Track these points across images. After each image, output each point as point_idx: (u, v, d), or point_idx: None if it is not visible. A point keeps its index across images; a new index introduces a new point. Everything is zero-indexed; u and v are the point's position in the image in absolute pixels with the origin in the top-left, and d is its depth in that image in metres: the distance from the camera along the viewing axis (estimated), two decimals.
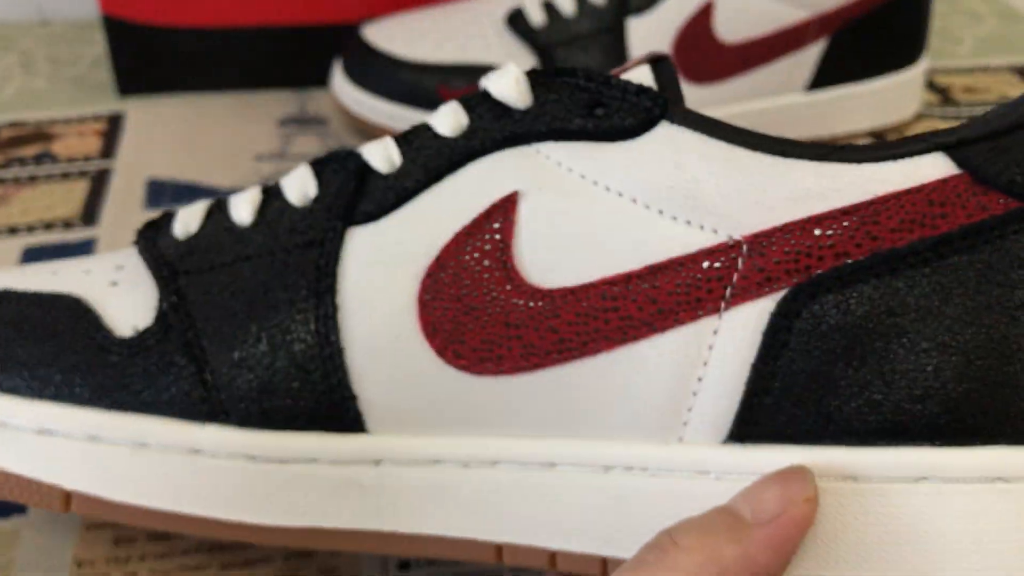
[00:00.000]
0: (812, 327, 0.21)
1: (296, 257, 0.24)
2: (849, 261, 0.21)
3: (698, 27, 0.42)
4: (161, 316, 0.25)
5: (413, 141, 0.25)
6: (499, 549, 0.24)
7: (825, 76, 0.44)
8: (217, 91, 0.50)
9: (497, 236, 0.23)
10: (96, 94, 0.50)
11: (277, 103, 0.50)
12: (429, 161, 0.24)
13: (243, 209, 0.26)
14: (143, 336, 0.24)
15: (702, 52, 0.43)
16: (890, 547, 0.21)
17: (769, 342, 0.21)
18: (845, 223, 0.21)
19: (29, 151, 0.46)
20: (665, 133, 0.22)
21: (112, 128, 0.48)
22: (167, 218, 0.27)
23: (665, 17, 0.42)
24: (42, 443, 0.24)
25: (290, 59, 0.50)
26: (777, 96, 0.45)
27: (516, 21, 0.44)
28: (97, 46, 0.55)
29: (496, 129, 0.24)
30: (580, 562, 0.23)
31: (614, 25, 0.43)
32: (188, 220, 0.26)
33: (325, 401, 0.24)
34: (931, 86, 0.51)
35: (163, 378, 0.24)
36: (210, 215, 0.26)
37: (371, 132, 0.45)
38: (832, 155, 0.22)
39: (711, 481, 0.22)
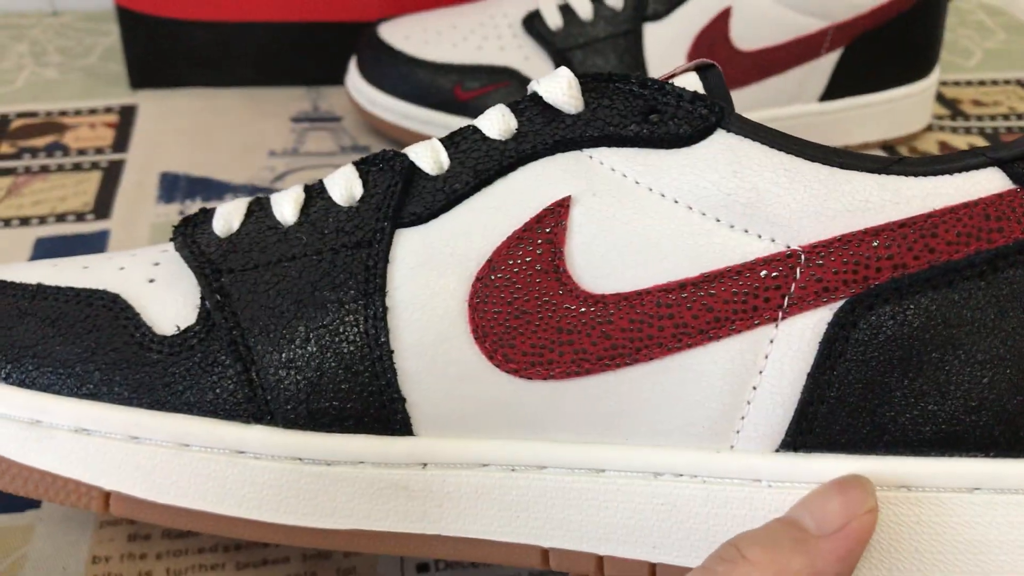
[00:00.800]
0: (869, 337, 0.21)
1: (344, 257, 0.24)
2: (907, 273, 0.21)
3: (715, 34, 0.42)
4: (204, 314, 0.24)
5: (460, 143, 0.25)
6: (545, 553, 0.24)
7: (839, 87, 0.45)
8: (230, 86, 0.50)
9: (549, 241, 0.23)
10: (108, 86, 0.50)
11: (290, 100, 0.49)
12: (479, 163, 0.24)
13: (286, 208, 0.25)
14: (186, 334, 0.24)
15: (718, 59, 0.43)
16: (944, 556, 0.21)
17: (826, 351, 0.22)
18: (903, 235, 0.21)
19: (40, 142, 0.45)
20: (723, 141, 0.22)
21: (124, 121, 0.47)
22: (204, 215, 0.27)
23: (682, 23, 0.42)
24: (80, 442, 0.24)
25: (304, 56, 0.49)
26: (790, 105, 0.45)
27: (532, 23, 0.44)
28: (107, 37, 0.54)
29: (547, 133, 0.24)
30: (628, 568, 0.23)
31: (631, 30, 0.43)
32: (229, 217, 0.26)
33: (373, 403, 0.23)
34: (940, 98, 0.51)
35: (207, 377, 0.24)
36: (251, 213, 0.26)
37: (384, 131, 0.45)
38: (891, 168, 0.22)
39: (763, 489, 0.22)
